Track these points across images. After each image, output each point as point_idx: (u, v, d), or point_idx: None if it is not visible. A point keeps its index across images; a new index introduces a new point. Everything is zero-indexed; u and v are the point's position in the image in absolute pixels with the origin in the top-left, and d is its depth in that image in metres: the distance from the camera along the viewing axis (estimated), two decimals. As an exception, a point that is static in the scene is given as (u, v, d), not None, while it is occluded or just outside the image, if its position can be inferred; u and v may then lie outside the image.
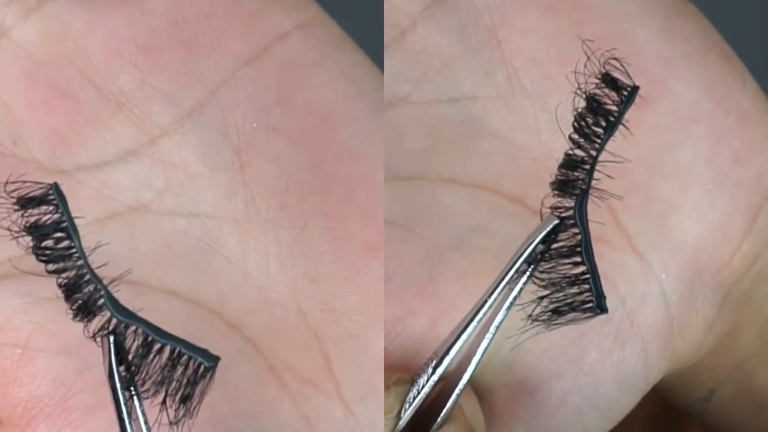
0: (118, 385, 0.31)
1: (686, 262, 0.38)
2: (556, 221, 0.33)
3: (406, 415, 0.35)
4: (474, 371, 0.35)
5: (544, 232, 0.33)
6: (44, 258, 0.31)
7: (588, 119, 0.33)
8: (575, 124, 0.33)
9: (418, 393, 0.35)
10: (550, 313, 0.33)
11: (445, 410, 0.35)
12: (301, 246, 0.37)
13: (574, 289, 0.33)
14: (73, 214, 0.31)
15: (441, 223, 0.38)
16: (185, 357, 0.31)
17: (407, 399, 0.35)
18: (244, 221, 0.37)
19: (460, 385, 0.35)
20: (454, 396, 0.35)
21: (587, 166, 0.33)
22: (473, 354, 0.34)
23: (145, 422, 0.32)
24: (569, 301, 0.33)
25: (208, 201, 0.37)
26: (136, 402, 0.32)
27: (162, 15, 0.37)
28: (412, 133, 0.39)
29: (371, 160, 0.38)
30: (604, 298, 0.33)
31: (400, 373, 0.36)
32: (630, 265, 0.38)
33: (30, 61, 0.37)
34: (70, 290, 0.32)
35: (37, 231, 0.31)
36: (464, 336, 0.34)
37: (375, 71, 0.39)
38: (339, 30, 0.39)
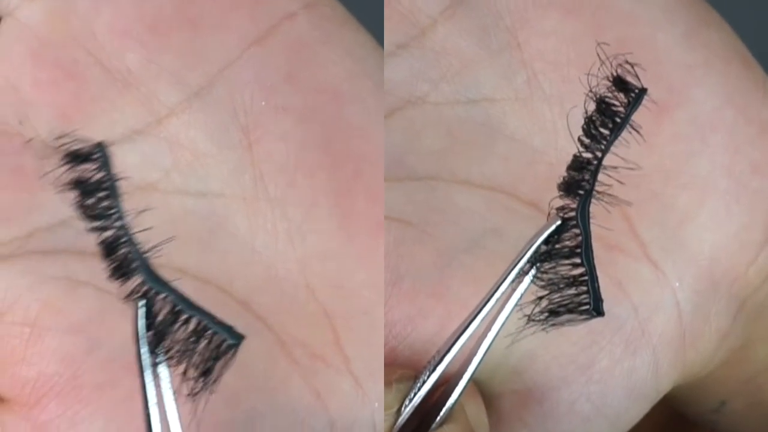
0: (143, 350, 0.32)
1: (701, 273, 0.38)
2: (559, 222, 0.33)
3: (406, 412, 0.35)
4: (475, 371, 0.34)
5: (546, 233, 0.33)
6: (86, 215, 0.32)
7: (596, 121, 0.33)
8: (584, 126, 0.33)
9: (419, 390, 0.35)
10: (547, 314, 0.33)
11: (444, 409, 0.35)
12: (309, 223, 0.37)
13: (572, 291, 0.33)
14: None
15: (455, 224, 0.38)
16: (210, 331, 0.31)
17: (408, 396, 0.35)
18: (253, 199, 0.37)
19: (461, 385, 0.34)
20: (454, 395, 0.35)
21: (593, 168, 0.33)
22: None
23: (170, 388, 0.32)
24: (567, 302, 0.33)
25: (216, 180, 0.37)
26: (161, 369, 0.32)
27: None
28: (429, 133, 0.39)
29: (378, 137, 0.38)
30: (602, 301, 0.32)
31: (404, 370, 0.36)
32: (644, 273, 0.38)
33: (36, 40, 0.37)
34: (108, 250, 0.32)
35: (80, 187, 0.31)
36: (466, 335, 0.34)
37: (379, 51, 0.39)
38: (344, 10, 0.39)
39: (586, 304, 0.32)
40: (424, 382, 0.35)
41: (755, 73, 0.39)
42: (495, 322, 0.34)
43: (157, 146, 0.37)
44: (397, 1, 0.39)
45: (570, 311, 0.33)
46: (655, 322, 0.38)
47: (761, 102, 0.39)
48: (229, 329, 0.31)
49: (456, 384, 0.34)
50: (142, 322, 0.31)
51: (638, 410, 0.38)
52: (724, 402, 0.43)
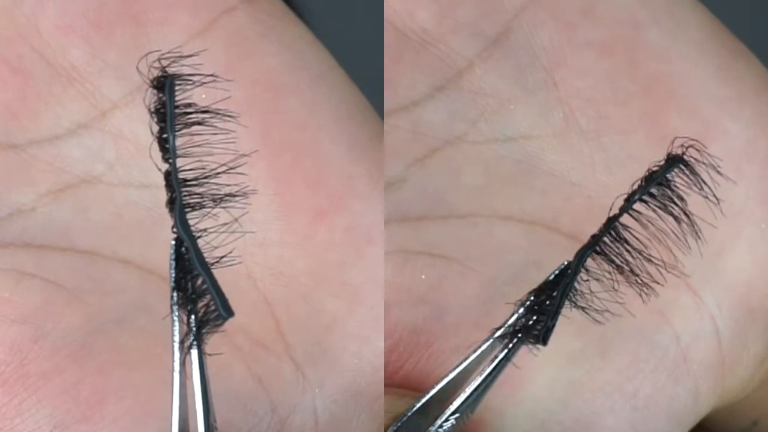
0: (171, 285, 0.32)
1: (739, 300, 0.39)
2: (564, 264, 0.34)
3: (398, 422, 0.36)
4: (468, 397, 0.35)
5: (553, 274, 0.34)
6: (159, 144, 0.32)
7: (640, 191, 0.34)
8: (629, 195, 0.34)
9: (403, 416, 0.36)
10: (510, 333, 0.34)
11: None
12: (249, 213, 0.37)
13: (536, 317, 0.34)
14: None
15: (497, 258, 0.39)
16: (209, 295, 0.32)
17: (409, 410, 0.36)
18: None
19: (447, 413, 0.35)
20: (438, 422, 0.35)
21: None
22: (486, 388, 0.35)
23: (195, 324, 0.32)
24: (526, 326, 0.34)
25: (158, 171, 0.38)
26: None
27: None
28: (469, 172, 0.40)
29: (316, 128, 0.38)
30: (550, 332, 0.33)
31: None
32: (684, 301, 0.38)
33: None
34: (165, 180, 0.33)
35: (154, 115, 0.32)
36: (456, 371, 0.35)
37: (318, 45, 0.39)
38: (283, 5, 0.39)
39: (536, 334, 0.34)
40: (410, 410, 0.36)
41: None
42: (497, 356, 0.35)
43: (101, 140, 0.38)
44: (433, 45, 0.39)
45: (523, 333, 0.34)
46: (695, 349, 0.38)
47: None
48: (222, 301, 0.31)
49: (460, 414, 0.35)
50: (171, 259, 0.32)
51: None
52: (756, 421, 0.43)
